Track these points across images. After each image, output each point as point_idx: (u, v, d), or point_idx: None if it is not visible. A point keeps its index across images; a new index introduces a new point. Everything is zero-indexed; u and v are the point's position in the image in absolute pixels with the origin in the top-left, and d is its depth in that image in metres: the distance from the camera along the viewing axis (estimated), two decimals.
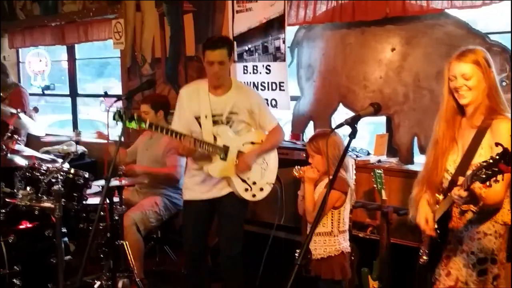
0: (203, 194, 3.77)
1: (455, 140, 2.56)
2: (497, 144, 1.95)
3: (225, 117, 3.66)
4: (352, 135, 2.33)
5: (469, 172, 2.37)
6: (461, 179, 2.27)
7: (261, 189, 3.77)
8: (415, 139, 4.15)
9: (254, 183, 3.73)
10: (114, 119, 3.46)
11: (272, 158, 3.85)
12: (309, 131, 4.76)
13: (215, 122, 3.66)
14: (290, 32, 4.68)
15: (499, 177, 1.98)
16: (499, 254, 2.47)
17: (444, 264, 2.57)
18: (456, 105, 2.54)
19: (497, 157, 1.96)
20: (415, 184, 2.68)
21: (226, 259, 3.79)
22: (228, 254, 3.77)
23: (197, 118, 3.68)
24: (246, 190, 3.71)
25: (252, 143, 3.74)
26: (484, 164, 2.01)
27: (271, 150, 3.84)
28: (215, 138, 3.64)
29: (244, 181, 3.71)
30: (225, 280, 3.86)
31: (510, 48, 3.71)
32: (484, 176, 2.01)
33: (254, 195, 3.74)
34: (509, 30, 3.81)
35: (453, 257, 2.53)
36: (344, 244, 3.29)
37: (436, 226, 2.51)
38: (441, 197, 2.51)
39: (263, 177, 3.77)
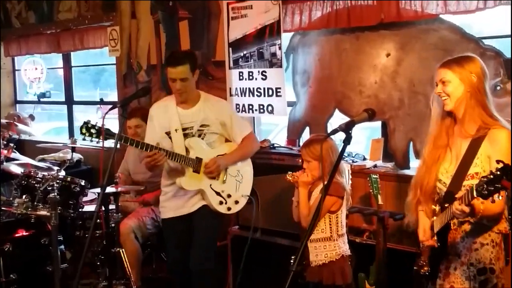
0: (177, 211, 3.75)
1: (448, 147, 2.54)
2: (498, 161, 1.95)
3: (196, 130, 3.66)
4: (347, 141, 2.33)
5: (466, 183, 2.39)
6: (460, 193, 2.26)
7: (236, 202, 3.76)
8: (411, 144, 4.16)
9: (229, 195, 3.72)
10: (81, 133, 3.42)
11: (247, 170, 3.85)
12: (305, 137, 4.76)
13: (186, 135, 3.66)
14: (285, 38, 4.69)
15: (502, 193, 1.98)
16: (496, 263, 2.45)
17: (444, 275, 2.54)
18: (446, 112, 2.54)
19: (498, 172, 1.95)
20: (409, 189, 2.69)
21: (195, 273, 3.73)
22: (197, 268, 3.71)
23: (168, 134, 3.69)
24: (221, 203, 3.69)
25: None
26: (485, 179, 2.00)
27: (243, 159, 3.83)
28: (187, 151, 3.63)
29: (218, 193, 3.68)
30: None
31: (503, 52, 3.72)
32: (486, 192, 2.00)
33: (229, 208, 3.73)
34: (504, 34, 3.85)
35: (453, 270, 2.51)
36: (344, 247, 3.29)
37: (435, 238, 2.51)
38: (437, 207, 2.50)
39: (238, 189, 3.76)
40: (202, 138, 3.67)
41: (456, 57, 2.52)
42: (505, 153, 2.30)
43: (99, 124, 3.40)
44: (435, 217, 2.52)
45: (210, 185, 3.67)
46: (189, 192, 3.69)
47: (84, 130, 3.40)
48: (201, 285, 3.74)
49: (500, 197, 2.01)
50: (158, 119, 3.73)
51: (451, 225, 2.47)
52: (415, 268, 2.66)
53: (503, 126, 2.39)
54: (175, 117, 3.66)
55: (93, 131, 3.40)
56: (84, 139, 3.48)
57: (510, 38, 3.62)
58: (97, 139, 3.41)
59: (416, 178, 2.65)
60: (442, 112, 2.56)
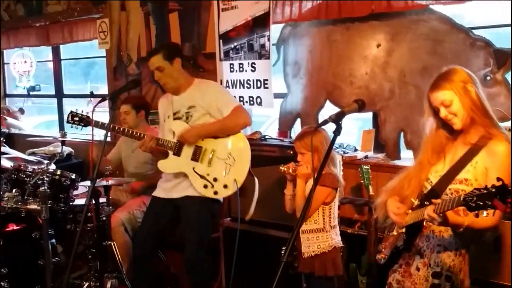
0: (163, 193, 3.82)
1: (442, 155, 2.49)
2: (498, 179, 1.85)
3: (184, 113, 3.71)
4: (337, 131, 2.32)
5: (452, 186, 2.35)
6: (445, 196, 2.26)
7: (225, 186, 3.68)
8: (401, 134, 4.16)
9: (215, 179, 3.66)
10: (67, 121, 3.78)
11: (242, 153, 3.74)
12: (297, 128, 4.75)
13: (176, 120, 3.74)
14: (275, 29, 4.68)
15: (490, 211, 1.88)
16: (456, 274, 2.39)
17: (405, 271, 2.54)
18: (446, 130, 2.47)
19: (494, 190, 1.86)
20: (382, 191, 2.64)
21: (186, 261, 3.76)
22: (187, 257, 3.74)
23: (165, 120, 3.82)
24: (206, 186, 3.66)
25: None
26: (477, 192, 1.91)
27: (223, 130, 3.71)
28: (174, 135, 3.70)
29: (202, 177, 3.65)
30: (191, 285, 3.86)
31: (493, 42, 3.72)
32: (473, 205, 1.90)
33: (216, 192, 3.67)
34: (493, 24, 3.86)
35: (415, 270, 2.48)
36: (336, 239, 3.30)
37: (404, 232, 2.49)
38: (416, 201, 2.44)
39: (228, 173, 3.68)
40: (189, 120, 3.70)
41: (441, 75, 2.42)
42: (502, 167, 2.25)
43: (84, 113, 3.71)
44: (410, 210, 2.46)
45: (193, 168, 3.66)
46: (177, 176, 3.72)
47: (69, 119, 3.71)
48: (193, 273, 3.76)
49: (485, 214, 1.89)
50: (161, 111, 3.91)
51: (423, 224, 2.42)
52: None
53: (504, 139, 2.31)
54: (169, 105, 3.78)
55: (76, 118, 3.70)
56: (71, 127, 3.81)
57: (502, 28, 3.63)
58: (81, 126, 3.74)
59: (394, 183, 2.59)
60: (435, 127, 2.51)
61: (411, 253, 2.52)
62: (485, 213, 1.89)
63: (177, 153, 3.63)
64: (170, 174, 3.77)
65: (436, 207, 2.16)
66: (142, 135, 3.73)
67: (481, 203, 1.88)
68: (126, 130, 3.75)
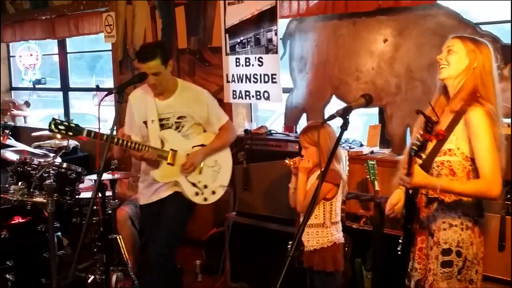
0: (150, 198, 3.73)
1: None
2: (417, 112, 2.10)
3: (173, 122, 3.62)
4: (344, 126, 2.31)
5: (437, 159, 2.41)
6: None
7: (213, 192, 3.73)
8: (408, 130, 4.15)
9: (206, 186, 3.69)
10: (49, 129, 3.37)
11: (226, 160, 3.81)
12: (302, 123, 4.75)
13: (162, 126, 3.62)
14: (282, 24, 4.67)
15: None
16: (467, 248, 2.41)
17: (418, 256, 2.55)
18: (444, 91, 2.53)
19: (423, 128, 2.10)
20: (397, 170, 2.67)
21: (154, 255, 3.66)
22: (156, 252, 3.64)
23: (145, 123, 3.66)
24: (197, 194, 3.67)
25: (203, 145, 3.70)
26: (416, 136, 2.12)
27: (221, 149, 3.77)
28: (162, 143, 3.60)
29: (194, 185, 3.66)
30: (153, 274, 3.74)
31: (500, 38, 3.70)
32: (415, 148, 2.14)
33: (205, 199, 3.70)
34: (501, 20, 3.83)
35: (427, 250, 2.50)
36: (337, 235, 3.29)
37: (403, 213, 2.52)
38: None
39: (215, 180, 3.73)
40: (179, 131, 3.63)
41: (473, 37, 2.51)
42: (478, 132, 2.31)
43: (68, 121, 3.38)
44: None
45: (186, 176, 3.63)
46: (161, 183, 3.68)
47: (52, 127, 3.34)
48: (158, 267, 3.65)
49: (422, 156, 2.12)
50: (137, 107, 3.71)
51: (419, 204, 2.48)
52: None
53: (481, 105, 2.34)
54: (152, 108, 3.61)
55: (61, 127, 3.34)
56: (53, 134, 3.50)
57: (509, 24, 3.61)
58: (67, 135, 3.38)
59: (403, 155, 2.64)
60: (438, 93, 2.56)
61: (422, 237, 2.53)
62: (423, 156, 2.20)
63: (171, 162, 3.60)
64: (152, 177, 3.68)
65: (405, 170, 2.25)
66: (143, 147, 3.54)
67: (417, 143, 2.14)
68: (126, 142, 3.52)
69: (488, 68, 2.41)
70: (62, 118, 3.40)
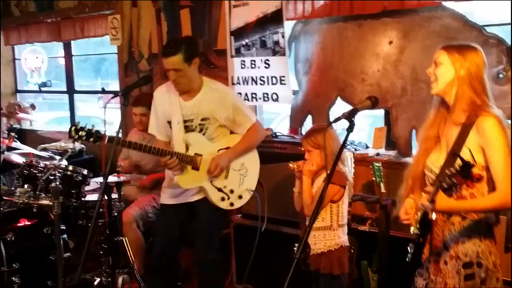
0: (174, 199, 3.63)
1: (438, 137, 2.48)
2: (454, 155, 2.02)
3: (197, 124, 3.51)
4: (350, 128, 2.32)
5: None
6: (429, 188, 2.27)
7: (240, 197, 3.63)
8: (413, 131, 4.15)
9: (232, 191, 3.59)
10: (70, 136, 3.29)
11: (253, 163, 3.69)
12: (307, 125, 4.75)
13: (186, 128, 3.52)
14: (286, 26, 4.66)
15: (466, 191, 2.03)
16: (488, 257, 2.38)
17: (435, 269, 2.50)
18: (441, 101, 2.49)
19: (458, 168, 2.05)
20: (403, 181, 2.63)
21: (199, 263, 3.69)
22: (200, 259, 3.66)
23: (169, 123, 3.56)
24: (223, 199, 3.57)
25: (229, 148, 3.59)
26: (448, 173, 2.07)
27: (247, 151, 3.65)
28: (187, 147, 3.50)
29: (220, 189, 3.56)
30: (199, 285, 3.76)
31: (507, 40, 3.69)
32: (445, 185, 2.08)
33: (232, 204, 3.60)
34: (506, 22, 3.82)
35: (443, 265, 2.46)
36: (343, 238, 3.29)
37: (418, 226, 2.42)
38: (425, 196, 2.40)
39: (242, 184, 3.63)
40: (204, 133, 3.53)
41: (459, 44, 2.48)
42: (493, 142, 2.26)
43: (89, 126, 3.30)
44: None
45: (211, 181, 3.54)
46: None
47: (73, 133, 3.29)
48: (204, 276, 3.70)
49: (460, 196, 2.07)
50: (161, 107, 3.62)
51: (438, 217, 2.40)
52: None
53: (490, 114, 2.31)
54: (177, 109, 3.50)
55: (82, 133, 3.28)
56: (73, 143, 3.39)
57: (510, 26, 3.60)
58: (87, 141, 3.30)
59: (409, 168, 2.60)
60: (437, 102, 2.52)
61: (439, 249, 2.50)
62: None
63: (196, 167, 3.50)
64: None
65: (429, 196, 2.22)
66: (163, 151, 3.43)
67: (450, 183, 2.09)
68: (144, 146, 3.43)
69: (475, 74, 2.37)
70: (82, 124, 3.32)
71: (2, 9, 7.53)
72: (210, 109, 3.52)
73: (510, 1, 3.43)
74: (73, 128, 3.28)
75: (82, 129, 3.28)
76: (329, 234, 3.25)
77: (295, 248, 3.28)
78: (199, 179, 3.51)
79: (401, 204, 2.61)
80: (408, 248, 2.50)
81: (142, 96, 4.82)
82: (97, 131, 3.31)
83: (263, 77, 4.74)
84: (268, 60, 4.68)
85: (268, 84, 4.71)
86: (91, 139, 3.29)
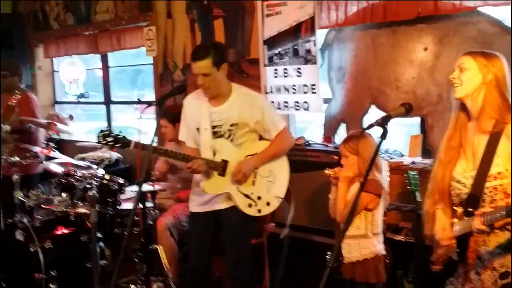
0: (202, 207, 3.63)
1: (461, 147, 2.43)
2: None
3: (226, 130, 3.50)
4: (383, 135, 2.29)
5: (488, 184, 2.30)
6: (482, 211, 2.20)
7: (268, 204, 3.59)
8: None
9: (259, 197, 3.55)
10: (98, 142, 3.39)
11: (282, 170, 3.66)
12: (341, 133, 4.72)
13: (215, 134, 3.52)
14: (319, 34, 4.65)
15: None
16: None
17: (464, 280, 2.45)
18: (461, 109, 2.44)
19: None
20: (425, 198, 2.58)
21: (231, 276, 3.65)
22: (234, 275, 3.62)
23: (198, 130, 3.57)
24: (250, 205, 3.53)
25: (255, 154, 3.57)
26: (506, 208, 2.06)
27: (275, 158, 3.62)
28: (214, 153, 3.50)
29: (247, 196, 3.53)
30: None
31: None
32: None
33: (259, 210, 3.56)
34: None
35: (475, 275, 2.41)
36: (378, 246, 3.25)
37: (455, 242, 2.40)
38: (459, 209, 2.39)
39: (270, 190, 3.60)
40: (232, 139, 3.52)
41: (481, 50, 2.44)
42: None
43: (116, 132, 3.38)
44: (456, 219, 2.41)
45: (238, 187, 3.52)
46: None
47: (100, 139, 3.37)
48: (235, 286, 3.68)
49: None
50: (190, 114, 3.64)
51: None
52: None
53: None
54: (206, 115, 3.51)
55: (109, 139, 3.36)
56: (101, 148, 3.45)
57: None
58: (113, 147, 3.40)
59: (432, 183, 2.53)
60: (457, 109, 2.47)
61: (470, 260, 2.44)
62: None
63: (223, 173, 3.49)
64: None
65: (483, 220, 2.15)
66: (188, 156, 3.47)
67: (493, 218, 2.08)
68: (169, 151, 3.49)
69: (502, 80, 2.33)
70: (110, 130, 3.41)
71: (42, 22, 7.73)
72: (240, 114, 3.52)
73: (510, 2, 3.36)
74: (101, 134, 3.37)
75: (109, 134, 3.36)
76: (364, 243, 3.21)
77: (327, 257, 3.26)
78: (225, 185, 3.51)
79: (428, 223, 2.54)
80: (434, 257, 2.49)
81: (165, 108, 4.87)
82: (124, 137, 3.38)
83: (294, 85, 4.74)
84: (299, 68, 4.67)
85: (300, 92, 4.70)
86: (118, 145, 3.37)
